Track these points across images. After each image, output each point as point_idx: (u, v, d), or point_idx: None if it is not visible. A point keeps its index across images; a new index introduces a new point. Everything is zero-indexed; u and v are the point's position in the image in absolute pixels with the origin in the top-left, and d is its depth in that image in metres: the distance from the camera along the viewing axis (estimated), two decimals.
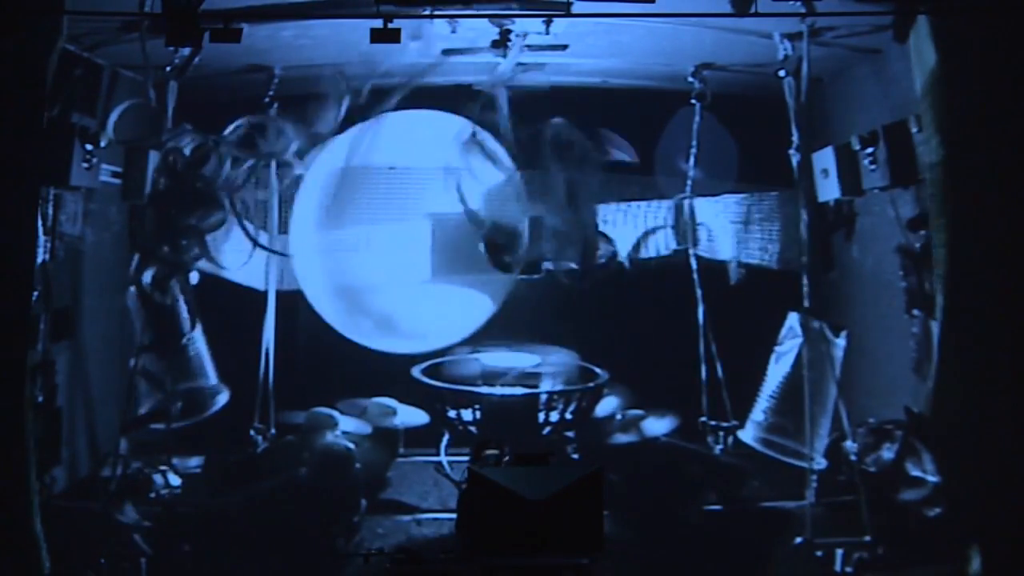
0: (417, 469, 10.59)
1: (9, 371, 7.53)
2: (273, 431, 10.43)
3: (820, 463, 9.56)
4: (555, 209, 10.28)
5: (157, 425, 9.70)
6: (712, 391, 10.73)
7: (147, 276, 9.52)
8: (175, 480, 9.23)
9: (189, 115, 9.73)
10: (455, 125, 10.33)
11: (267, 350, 10.51)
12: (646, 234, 11.00)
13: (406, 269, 10.90)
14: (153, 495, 9.25)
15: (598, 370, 10.49)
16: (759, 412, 10.15)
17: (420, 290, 10.52)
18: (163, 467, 9.48)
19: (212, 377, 10.32)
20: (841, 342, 9.80)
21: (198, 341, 10.23)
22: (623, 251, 10.91)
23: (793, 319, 9.98)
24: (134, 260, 9.72)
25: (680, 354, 10.69)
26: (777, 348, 10.14)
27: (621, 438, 10.21)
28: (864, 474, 9.10)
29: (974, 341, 7.79)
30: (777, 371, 10.09)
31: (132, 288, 9.83)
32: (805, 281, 9.47)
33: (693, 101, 10.64)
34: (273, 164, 10.38)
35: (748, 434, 10.16)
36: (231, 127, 9.89)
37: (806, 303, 9.46)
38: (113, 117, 9.50)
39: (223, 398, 10.26)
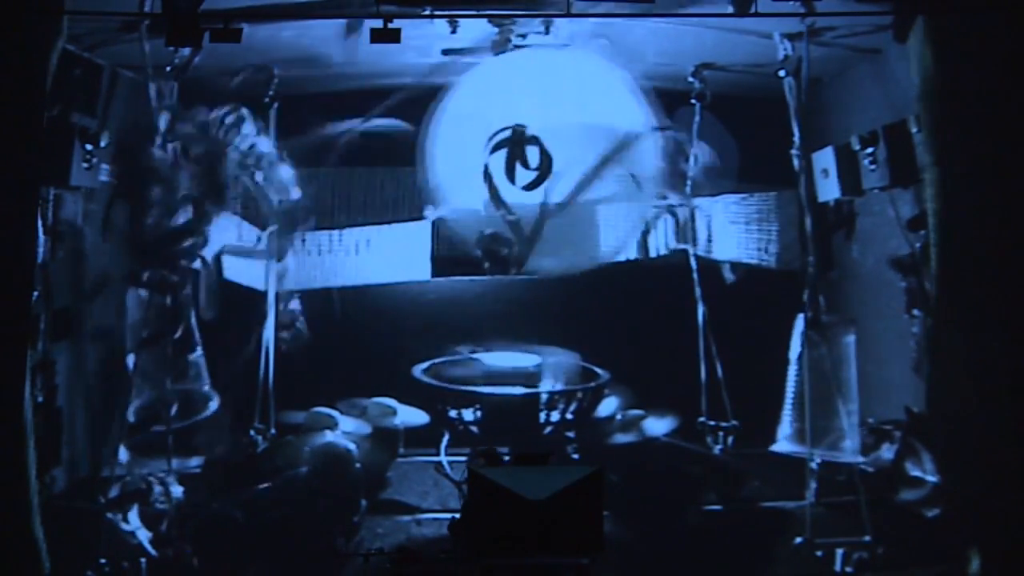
0: (417, 469, 10.59)
1: (9, 371, 7.53)
2: (273, 431, 10.43)
3: (848, 459, 9.50)
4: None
5: (157, 427, 9.67)
6: (712, 391, 10.74)
7: (146, 274, 9.50)
8: (177, 490, 9.17)
9: (189, 115, 9.72)
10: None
11: (267, 350, 10.51)
12: (646, 234, 11.00)
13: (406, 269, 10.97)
14: (155, 502, 9.21)
15: (599, 370, 10.49)
16: (789, 421, 10.08)
17: None
18: (164, 474, 9.40)
19: (206, 383, 10.30)
20: (852, 340, 9.79)
21: (197, 344, 10.20)
22: (623, 251, 10.92)
23: (804, 321, 9.94)
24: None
25: (680, 354, 10.69)
26: (790, 355, 10.10)
27: (621, 438, 10.22)
28: (864, 474, 9.10)
29: (972, 341, 7.79)
30: (796, 376, 10.05)
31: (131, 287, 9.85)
32: (811, 281, 9.46)
33: (693, 101, 10.64)
34: (273, 164, 10.39)
35: (783, 444, 10.11)
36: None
37: (808, 305, 9.45)
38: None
39: (213, 404, 10.23)
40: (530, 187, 9.79)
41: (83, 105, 9.34)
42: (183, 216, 9.58)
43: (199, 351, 10.15)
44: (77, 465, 9.90)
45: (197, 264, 9.78)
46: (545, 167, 9.74)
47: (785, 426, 10.11)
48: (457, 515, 6.37)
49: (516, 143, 9.75)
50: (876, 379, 10.29)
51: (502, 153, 10.10)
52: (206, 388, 10.21)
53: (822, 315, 9.46)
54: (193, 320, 9.99)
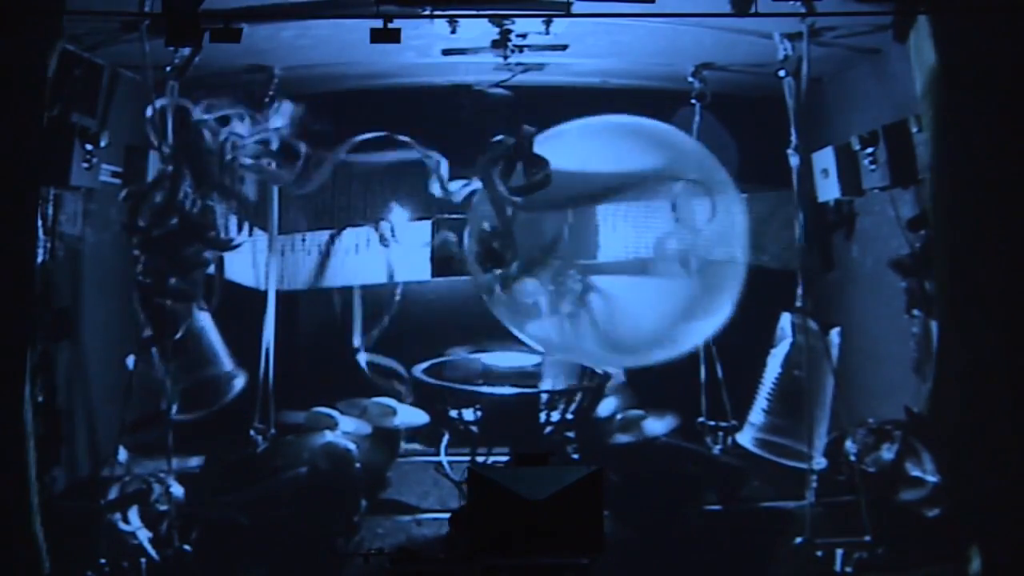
0: (417, 469, 10.59)
1: (9, 371, 7.53)
2: (273, 431, 10.44)
3: (820, 463, 9.55)
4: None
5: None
6: (711, 391, 10.74)
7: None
8: (177, 490, 9.14)
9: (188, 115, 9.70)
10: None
11: (267, 350, 10.51)
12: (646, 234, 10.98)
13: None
14: (155, 503, 9.16)
15: (598, 369, 10.49)
16: (756, 415, 10.14)
17: None
18: (164, 474, 9.35)
19: (227, 363, 10.23)
20: (835, 339, 9.79)
21: (208, 330, 10.15)
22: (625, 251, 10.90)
23: (785, 320, 9.98)
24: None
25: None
26: (773, 350, 10.13)
27: (621, 438, 10.21)
28: (864, 474, 9.10)
29: (974, 341, 7.79)
30: (771, 373, 10.08)
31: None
32: (800, 280, 9.47)
33: (693, 101, 10.62)
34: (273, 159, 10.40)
35: (745, 437, 10.16)
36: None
37: (799, 303, 9.46)
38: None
39: (240, 383, 10.17)
40: (519, 191, 9.64)
41: (83, 105, 9.34)
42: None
43: (212, 336, 10.10)
44: (77, 465, 9.90)
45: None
46: (542, 179, 9.60)
47: (756, 414, 10.12)
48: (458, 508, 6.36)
49: (519, 147, 9.67)
50: (876, 379, 10.29)
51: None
52: (228, 368, 10.16)
53: (805, 317, 9.45)
54: (200, 310, 9.91)
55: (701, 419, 10.76)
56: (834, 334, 9.78)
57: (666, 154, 9.74)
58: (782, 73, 9.43)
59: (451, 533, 6.29)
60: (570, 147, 9.74)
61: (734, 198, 9.78)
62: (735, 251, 9.71)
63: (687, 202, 9.55)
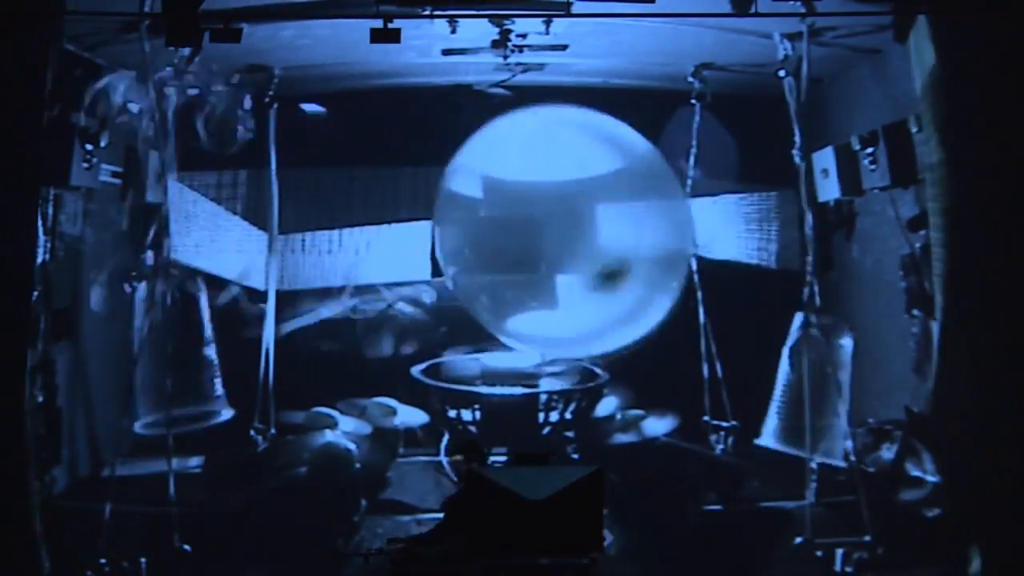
0: (417, 469, 10.59)
1: (9, 371, 7.53)
2: (273, 431, 10.44)
3: (839, 463, 9.51)
4: None
5: (158, 431, 9.65)
6: (712, 391, 10.73)
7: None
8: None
9: (189, 115, 9.71)
10: None
11: (267, 350, 10.51)
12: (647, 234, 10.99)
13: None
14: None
15: (598, 370, 10.49)
16: (775, 416, 10.07)
17: None
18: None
19: (218, 390, 10.28)
20: (848, 342, 9.78)
21: (211, 354, 10.18)
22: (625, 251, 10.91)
23: (798, 320, 9.92)
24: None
25: (680, 354, 10.69)
26: (786, 351, 10.07)
27: (621, 438, 10.21)
28: (864, 474, 9.10)
29: (974, 341, 7.79)
30: (785, 374, 10.04)
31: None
32: (810, 280, 9.46)
33: (693, 101, 10.63)
34: (273, 159, 10.42)
35: (768, 439, 10.10)
36: None
37: (817, 302, 9.44)
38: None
39: (226, 414, 10.21)
40: None
41: (83, 105, 9.34)
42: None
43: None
44: (77, 465, 9.90)
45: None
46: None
47: (772, 419, 10.09)
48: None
49: None
50: (876, 379, 10.29)
51: None
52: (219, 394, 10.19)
53: (819, 316, 9.43)
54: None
55: (706, 418, 10.73)
56: (847, 339, 9.77)
57: (623, 155, 9.86)
58: (782, 73, 9.44)
59: (445, 520, 6.32)
60: (529, 142, 9.82)
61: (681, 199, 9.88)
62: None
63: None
